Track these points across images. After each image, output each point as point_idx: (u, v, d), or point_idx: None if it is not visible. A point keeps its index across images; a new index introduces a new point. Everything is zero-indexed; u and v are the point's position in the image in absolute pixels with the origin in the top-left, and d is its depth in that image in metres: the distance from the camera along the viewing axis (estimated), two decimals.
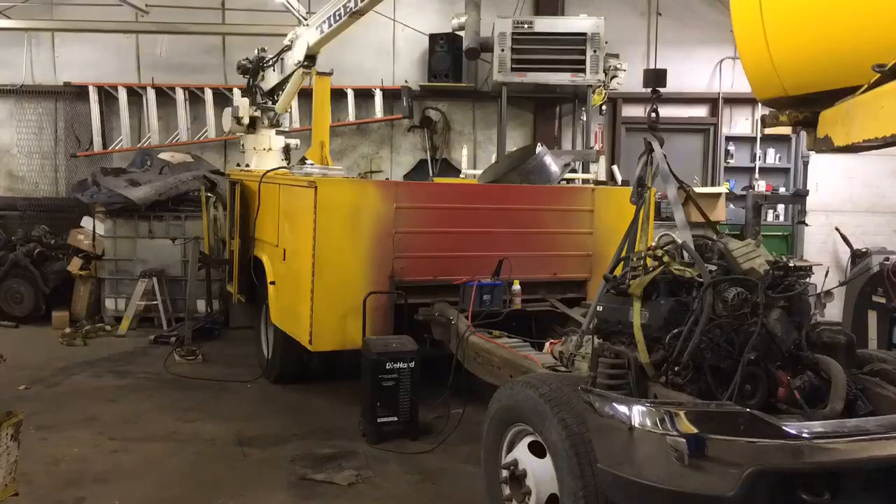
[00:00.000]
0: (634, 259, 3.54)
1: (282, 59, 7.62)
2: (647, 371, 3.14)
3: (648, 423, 2.79)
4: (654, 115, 4.00)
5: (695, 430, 2.70)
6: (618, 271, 3.62)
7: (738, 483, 2.61)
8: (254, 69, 7.81)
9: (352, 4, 6.48)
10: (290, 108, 9.16)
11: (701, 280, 3.19)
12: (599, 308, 3.51)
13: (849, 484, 2.75)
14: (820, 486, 2.69)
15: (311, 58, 7.22)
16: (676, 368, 3.05)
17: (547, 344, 4.46)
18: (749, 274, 3.29)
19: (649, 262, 3.42)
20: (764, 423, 2.70)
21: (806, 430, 2.69)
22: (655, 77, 4.03)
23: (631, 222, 4.05)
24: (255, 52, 7.84)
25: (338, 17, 6.66)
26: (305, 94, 8.34)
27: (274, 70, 7.78)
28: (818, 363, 3.21)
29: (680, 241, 3.47)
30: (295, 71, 7.40)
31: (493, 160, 8.70)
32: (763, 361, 3.14)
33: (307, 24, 7.14)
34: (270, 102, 7.87)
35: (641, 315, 3.21)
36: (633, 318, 3.23)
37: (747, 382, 3.09)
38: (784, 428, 2.68)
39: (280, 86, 7.78)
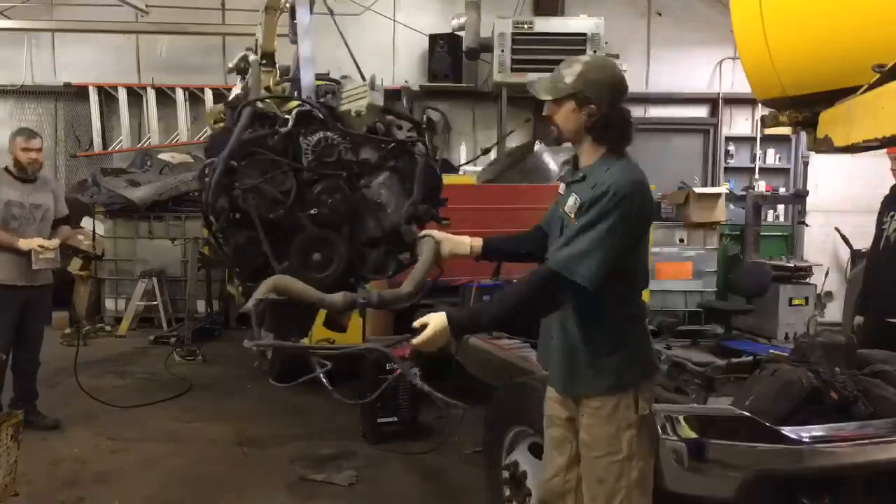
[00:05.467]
0: None
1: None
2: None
3: None
4: None
5: (695, 435, 2.69)
6: None
7: (738, 487, 2.60)
8: (246, 69, 7.76)
9: None
10: None
11: (287, 117, 2.69)
12: None
13: (849, 488, 2.75)
14: (820, 490, 2.68)
15: (267, 56, 7.14)
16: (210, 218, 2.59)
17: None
18: (345, 116, 2.76)
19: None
20: (764, 428, 2.69)
21: (806, 434, 2.68)
22: None
23: None
24: (244, 51, 7.78)
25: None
26: None
27: None
28: (418, 243, 2.82)
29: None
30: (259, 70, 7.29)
31: (493, 159, 8.68)
32: (354, 231, 2.73)
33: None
34: None
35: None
36: None
37: (317, 249, 2.73)
38: (784, 432, 2.67)
39: None
